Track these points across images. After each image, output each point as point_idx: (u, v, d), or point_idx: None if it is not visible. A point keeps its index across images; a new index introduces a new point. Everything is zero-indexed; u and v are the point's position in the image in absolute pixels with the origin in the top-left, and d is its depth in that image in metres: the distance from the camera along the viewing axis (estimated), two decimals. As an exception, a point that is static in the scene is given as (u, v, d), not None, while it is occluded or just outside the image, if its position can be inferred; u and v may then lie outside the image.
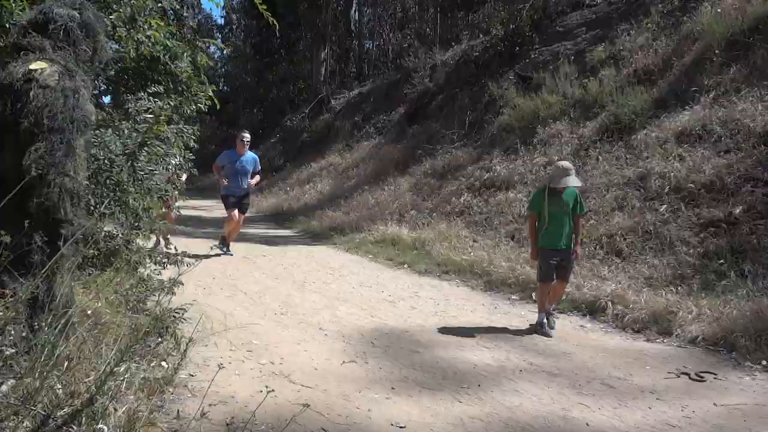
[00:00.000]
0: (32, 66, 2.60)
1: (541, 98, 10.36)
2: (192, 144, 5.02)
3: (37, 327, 2.30)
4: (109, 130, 3.86)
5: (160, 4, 4.83)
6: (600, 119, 8.80)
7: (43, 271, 2.28)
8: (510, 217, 8.11)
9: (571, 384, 3.59)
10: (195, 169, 5.80)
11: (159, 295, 3.67)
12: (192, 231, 9.97)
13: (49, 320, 2.21)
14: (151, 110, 4.26)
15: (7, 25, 3.63)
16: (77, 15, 2.86)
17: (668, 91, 8.27)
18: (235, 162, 7.79)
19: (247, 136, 7.99)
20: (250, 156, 7.91)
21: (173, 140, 4.41)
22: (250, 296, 5.82)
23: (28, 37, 2.71)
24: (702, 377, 3.72)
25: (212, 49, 22.49)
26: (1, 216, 2.21)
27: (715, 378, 3.73)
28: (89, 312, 2.88)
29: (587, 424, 3.05)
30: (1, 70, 2.65)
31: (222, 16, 31.90)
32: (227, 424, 2.79)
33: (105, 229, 4.04)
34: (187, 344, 3.28)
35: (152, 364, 3.10)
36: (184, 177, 6.72)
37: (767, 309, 4.23)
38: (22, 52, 2.68)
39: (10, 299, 2.30)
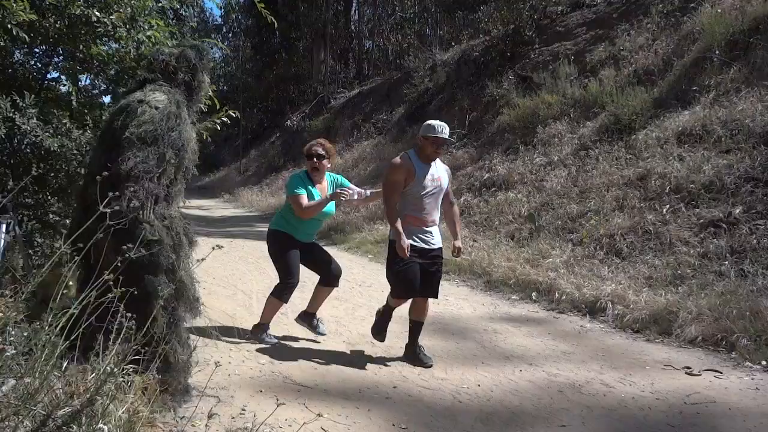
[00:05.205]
0: (149, 94, 3.05)
1: (541, 98, 10.37)
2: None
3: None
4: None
5: (159, 4, 4.83)
6: (600, 119, 8.80)
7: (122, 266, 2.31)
8: (510, 217, 8.10)
9: (571, 384, 3.60)
10: (195, 169, 5.79)
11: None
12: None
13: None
14: None
15: (9, 26, 3.62)
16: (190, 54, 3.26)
17: (668, 91, 8.28)
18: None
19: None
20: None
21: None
22: (250, 296, 5.83)
23: (152, 74, 3.21)
24: (700, 374, 3.73)
25: (213, 49, 22.45)
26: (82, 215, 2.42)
27: (716, 377, 3.73)
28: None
29: (584, 424, 3.05)
30: (126, 97, 3.12)
31: (221, 16, 31.84)
32: (227, 425, 2.79)
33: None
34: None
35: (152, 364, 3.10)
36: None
37: (767, 309, 4.23)
38: (146, 85, 3.16)
39: (10, 299, 2.30)
